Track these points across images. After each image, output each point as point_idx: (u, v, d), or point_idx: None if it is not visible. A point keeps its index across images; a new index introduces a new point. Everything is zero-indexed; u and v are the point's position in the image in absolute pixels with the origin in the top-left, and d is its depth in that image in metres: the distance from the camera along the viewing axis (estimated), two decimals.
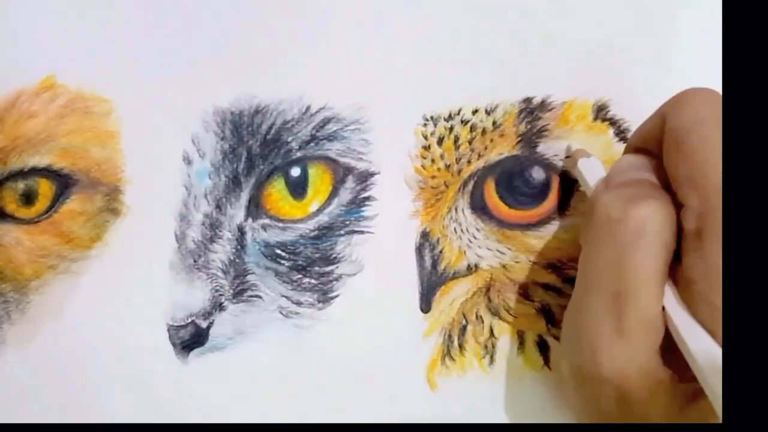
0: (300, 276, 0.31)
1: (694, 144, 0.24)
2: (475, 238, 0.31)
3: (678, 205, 0.24)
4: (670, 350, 0.24)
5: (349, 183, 0.31)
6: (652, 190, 0.25)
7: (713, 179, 0.23)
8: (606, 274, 0.24)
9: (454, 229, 0.31)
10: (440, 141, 0.31)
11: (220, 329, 0.31)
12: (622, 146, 0.31)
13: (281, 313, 0.31)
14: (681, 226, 0.24)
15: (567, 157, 0.31)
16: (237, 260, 0.31)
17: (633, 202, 0.24)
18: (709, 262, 0.23)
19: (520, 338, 0.32)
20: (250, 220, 0.31)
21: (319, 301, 0.31)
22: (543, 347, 0.31)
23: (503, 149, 0.31)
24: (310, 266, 0.31)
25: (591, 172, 0.29)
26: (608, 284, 0.24)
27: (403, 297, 0.31)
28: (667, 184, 0.25)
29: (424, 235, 0.31)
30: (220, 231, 0.31)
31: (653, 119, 0.27)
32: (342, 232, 0.31)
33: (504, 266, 0.31)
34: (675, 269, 0.24)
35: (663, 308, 0.24)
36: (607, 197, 0.25)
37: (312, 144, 0.31)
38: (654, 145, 0.27)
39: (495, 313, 0.32)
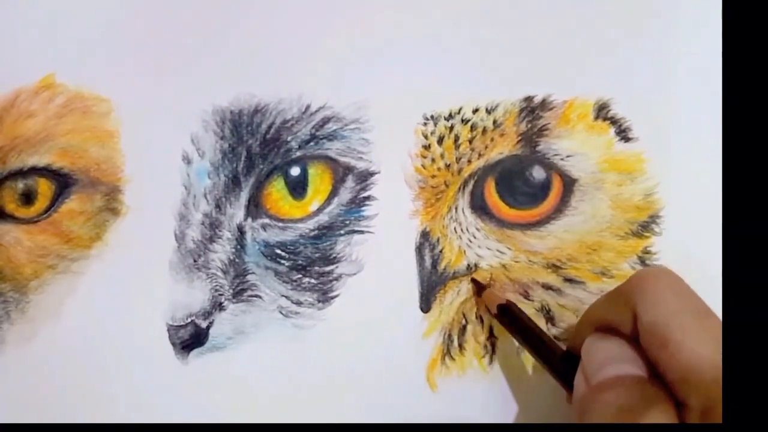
0: (300, 276, 0.31)
1: (677, 339, 0.23)
2: (475, 237, 0.31)
3: (677, 402, 0.23)
4: None
5: (349, 182, 0.31)
6: (644, 393, 0.24)
7: (709, 374, 0.22)
8: None
9: (454, 228, 0.31)
10: (440, 140, 0.31)
11: (220, 329, 0.31)
12: (622, 145, 0.31)
13: (281, 312, 0.31)
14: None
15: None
16: (237, 260, 0.31)
17: (631, 418, 0.23)
18: None
19: None
20: (249, 219, 0.31)
21: (319, 301, 0.31)
22: None
23: (504, 148, 0.31)
24: (310, 266, 0.31)
25: None
26: None
27: (402, 297, 0.31)
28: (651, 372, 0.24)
29: (424, 235, 0.31)
30: (219, 231, 0.31)
31: (615, 301, 0.26)
32: (342, 231, 0.31)
33: (504, 266, 0.31)
34: None
35: None
36: (599, 409, 0.24)
37: (312, 143, 0.31)
38: (625, 329, 0.25)
39: None
